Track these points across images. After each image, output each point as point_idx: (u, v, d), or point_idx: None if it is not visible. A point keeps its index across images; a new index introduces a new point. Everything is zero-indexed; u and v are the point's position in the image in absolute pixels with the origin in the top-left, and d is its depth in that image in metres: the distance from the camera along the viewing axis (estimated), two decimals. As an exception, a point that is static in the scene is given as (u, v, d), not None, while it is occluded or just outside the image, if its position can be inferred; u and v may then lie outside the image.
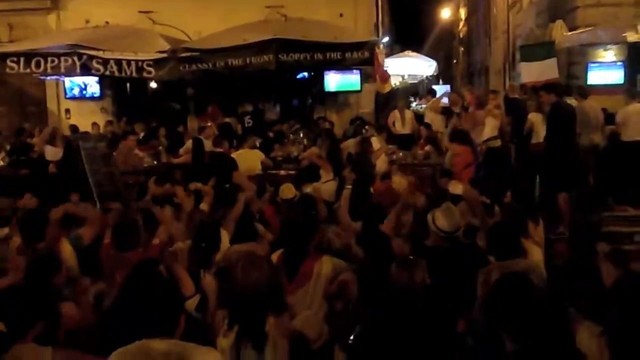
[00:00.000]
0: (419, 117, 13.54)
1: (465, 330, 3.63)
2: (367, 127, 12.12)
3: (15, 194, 7.28)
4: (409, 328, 3.33)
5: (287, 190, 6.81)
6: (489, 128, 10.01)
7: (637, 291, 2.96)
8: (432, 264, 3.78)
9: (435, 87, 17.51)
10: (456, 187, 8.07)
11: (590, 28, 12.13)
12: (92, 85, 15.39)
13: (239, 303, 3.19)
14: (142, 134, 12.30)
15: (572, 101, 9.77)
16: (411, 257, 3.79)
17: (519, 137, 10.25)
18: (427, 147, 10.58)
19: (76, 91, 15.55)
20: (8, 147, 11.86)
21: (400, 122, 12.90)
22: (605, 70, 12.76)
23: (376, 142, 9.89)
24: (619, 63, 12.67)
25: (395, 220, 5.30)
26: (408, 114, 13.27)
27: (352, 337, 3.47)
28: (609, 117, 10.26)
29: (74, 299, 4.05)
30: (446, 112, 12.48)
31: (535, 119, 9.78)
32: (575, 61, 13.24)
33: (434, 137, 11.16)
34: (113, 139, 11.12)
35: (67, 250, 4.79)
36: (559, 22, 12.84)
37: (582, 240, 4.31)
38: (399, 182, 7.44)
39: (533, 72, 12.33)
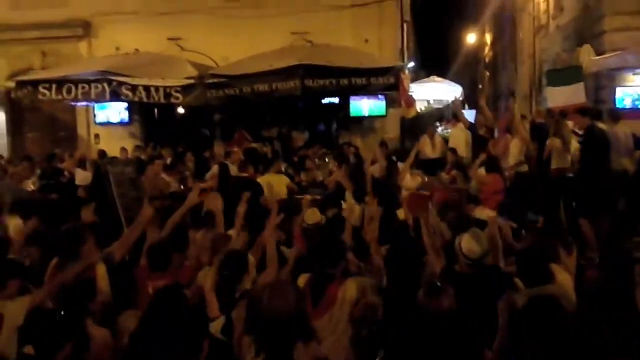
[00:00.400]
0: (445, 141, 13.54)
1: None
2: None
3: (45, 217, 7.37)
4: (435, 355, 3.28)
5: (313, 215, 6.79)
6: (516, 151, 9.95)
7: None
8: (459, 291, 3.74)
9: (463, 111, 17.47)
10: (482, 213, 7.99)
11: (617, 52, 12.03)
12: (122, 111, 15.65)
13: (265, 330, 3.18)
14: (169, 159, 12.41)
15: (603, 125, 9.67)
16: (439, 284, 3.74)
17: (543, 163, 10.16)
18: (454, 172, 10.51)
19: (105, 117, 15.82)
20: (39, 172, 12.05)
21: (431, 147, 12.88)
22: (635, 94, 12.62)
23: (402, 167, 9.85)
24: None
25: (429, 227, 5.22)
26: (438, 139, 13.27)
27: None
28: (639, 142, 10.11)
29: (104, 323, 4.07)
30: (472, 129, 12.47)
31: (554, 143, 9.68)
32: (603, 85, 13.13)
33: (461, 163, 11.09)
34: (141, 164, 11.25)
35: (101, 269, 4.84)
36: (587, 47, 12.77)
37: (614, 267, 4.22)
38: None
39: (560, 96, 12.22)
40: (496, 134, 11.78)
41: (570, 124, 9.73)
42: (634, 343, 2.97)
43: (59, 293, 4.07)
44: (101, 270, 4.71)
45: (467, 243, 4.52)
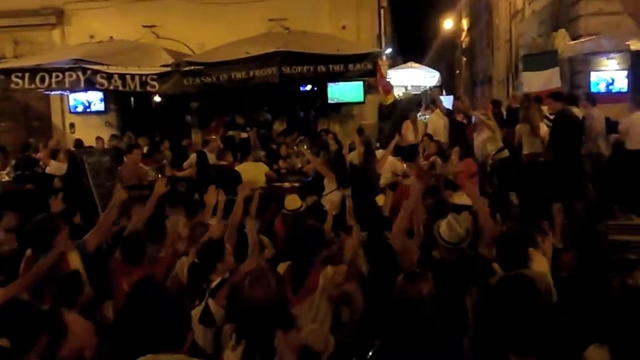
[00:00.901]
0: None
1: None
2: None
3: (20, 208, 7.29)
4: (414, 340, 3.31)
5: (293, 201, 6.80)
6: (495, 140, 10.08)
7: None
8: (437, 276, 3.76)
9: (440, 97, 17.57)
10: (461, 198, 8.05)
11: (592, 37, 12.13)
12: (96, 100, 15.45)
13: (246, 318, 3.18)
14: (145, 148, 12.32)
15: (577, 110, 9.79)
16: (417, 270, 3.77)
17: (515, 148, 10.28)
18: (432, 158, 10.57)
19: (80, 107, 15.61)
20: (13, 162, 11.89)
21: (413, 133, 12.90)
22: (609, 79, 12.76)
23: (379, 154, 9.89)
24: (622, 71, 12.67)
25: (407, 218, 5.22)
26: (420, 124, 13.30)
27: (371, 353, 3.44)
28: (613, 125, 10.25)
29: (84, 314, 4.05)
30: (449, 114, 12.58)
31: (522, 129, 9.78)
32: (578, 70, 13.25)
33: (441, 148, 11.17)
34: (117, 153, 11.16)
35: (74, 258, 4.79)
36: (562, 31, 12.85)
37: (588, 250, 4.28)
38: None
39: (536, 81, 12.32)
40: (473, 120, 11.87)
41: (545, 108, 9.83)
42: (609, 325, 3.00)
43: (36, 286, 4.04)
44: (74, 260, 4.67)
45: (446, 228, 4.56)
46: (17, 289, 4.00)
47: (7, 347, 2.86)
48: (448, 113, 12.90)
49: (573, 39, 12.54)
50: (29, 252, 4.83)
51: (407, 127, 13.00)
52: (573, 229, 5.55)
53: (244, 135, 13.11)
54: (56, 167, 10.28)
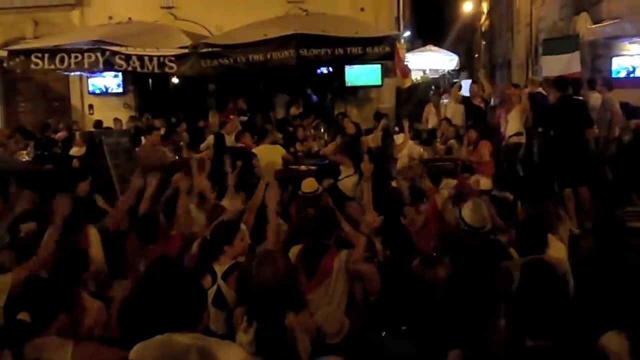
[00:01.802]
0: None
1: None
2: None
3: (39, 188, 7.35)
4: (431, 323, 3.32)
5: (309, 185, 6.79)
6: (514, 123, 9.96)
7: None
8: (455, 259, 3.76)
9: (462, 81, 17.41)
10: (477, 182, 8.01)
11: (615, 21, 11.93)
12: (113, 86, 15.54)
13: (255, 300, 3.19)
14: (162, 130, 12.36)
15: (595, 94, 9.68)
16: (434, 255, 3.76)
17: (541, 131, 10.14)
18: (450, 142, 10.51)
19: (99, 87, 15.72)
20: (33, 143, 12.00)
21: (435, 117, 12.76)
22: (630, 65, 12.56)
23: (399, 138, 9.85)
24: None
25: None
26: (442, 108, 13.12)
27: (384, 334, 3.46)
28: (634, 111, 10.10)
29: (99, 294, 4.09)
30: (466, 102, 12.44)
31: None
32: (599, 54, 13.05)
33: (457, 131, 11.09)
34: (136, 134, 11.22)
35: (94, 237, 4.84)
36: (584, 15, 12.65)
37: (607, 236, 4.24)
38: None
39: (556, 65, 12.16)
40: (492, 102, 11.76)
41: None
42: (627, 312, 2.99)
43: (53, 263, 4.08)
44: (95, 239, 4.72)
45: (469, 211, 4.52)
46: (37, 265, 4.04)
47: (28, 321, 2.91)
48: (463, 100, 12.74)
49: (595, 23, 12.34)
50: (50, 229, 4.87)
51: (429, 111, 12.89)
52: (590, 215, 5.51)
53: (244, 118, 13.11)
54: (76, 150, 10.40)
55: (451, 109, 12.74)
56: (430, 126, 12.58)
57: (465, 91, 13.04)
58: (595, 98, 9.69)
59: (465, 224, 4.47)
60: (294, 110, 14.80)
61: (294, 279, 3.39)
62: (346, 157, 8.52)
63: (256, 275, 3.17)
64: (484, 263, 4.02)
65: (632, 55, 12.56)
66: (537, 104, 10.24)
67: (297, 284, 3.45)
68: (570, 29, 13.36)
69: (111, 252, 4.91)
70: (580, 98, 8.86)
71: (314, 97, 16.29)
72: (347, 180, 8.21)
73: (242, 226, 4.78)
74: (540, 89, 11.03)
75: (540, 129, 9.93)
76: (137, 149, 9.66)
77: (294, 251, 4.51)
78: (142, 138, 10.60)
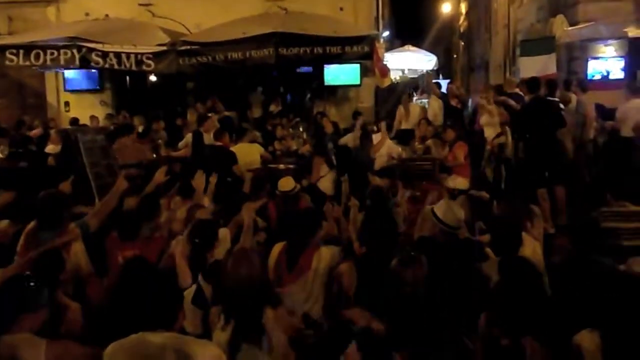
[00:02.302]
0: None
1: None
2: None
3: (14, 186, 7.26)
4: (409, 322, 3.32)
5: (286, 183, 6.79)
6: (491, 129, 10.06)
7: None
8: (431, 259, 3.78)
9: (438, 81, 17.54)
10: (455, 181, 8.06)
11: (590, 23, 12.10)
12: (91, 78, 15.39)
13: (231, 298, 3.18)
14: (141, 127, 12.27)
15: (572, 96, 9.79)
16: (412, 254, 3.77)
17: (517, 132, 10.22)
18: (428, 142, 10.57)
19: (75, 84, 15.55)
20: (7, 140, 11.84)
21: (405, 118, 12.78)
22: (605, 66, 12.74)
23: (377, 137, 9.88)
24: (619, 58, 12.65)
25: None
26: (413, 108, 13.13)
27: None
28: (609, 113, 10.24)
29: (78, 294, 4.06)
30: (444, 98, 12.55)
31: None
32: (575, 56, 13.22)
33: (436, 131, 11.16)
34: (113, 132, 11.11)
35: (76, 235, 4.79)
36: (560, 17, 12.81)
37: (581, 236, 4.29)
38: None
39: (532, 67, 12.30)
40: (469, 105, 11.86)
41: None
42: (601, 311, 3.03)
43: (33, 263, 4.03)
44: (78, 245, 4.68)
45: (444, 211, 4.54)
46: (19, 268, 3.99)
47: None
48: (442, 96, 12.87)
49: (571, 25, 12.50)
50: (30, 226, 4.82)
51: (399, 114, 12.89)
52: (565, 215, 5.59)
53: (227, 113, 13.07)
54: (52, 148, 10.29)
55: (432, 109, 12.81)
56: (404, 127, 12.59)
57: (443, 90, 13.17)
58: (571, 99, 9.80)
59: (442, 222, 4.48)
60: (273, 108, 14.77)
61: (267, 275, 3.39)
62: (320, 157, 8.59)
63: (231, 273, 3.17)
64: (459, 262, 4.05)
65: (607, 59, 12.73)
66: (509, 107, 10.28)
67: (269, 281, 3.46)
68: (547, 31, 13.52)
69: (92, 251, 4.86)
70: (555, 99, 8.94)
71: (289, 97, 16.28)
72: (325, 180, 8.25)
73: (224, 230, 4.79)
74: (517, 90, 11.13)
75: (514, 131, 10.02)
76: (114, 146, 9.58)
77: (277, 248, 4.52)
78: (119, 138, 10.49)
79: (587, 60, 12.83)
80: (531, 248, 4.38)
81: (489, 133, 10.14)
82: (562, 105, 9.00)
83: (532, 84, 8.89)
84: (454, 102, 12.43)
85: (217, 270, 3.32)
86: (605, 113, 10.24)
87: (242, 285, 3.13)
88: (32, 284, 3.14)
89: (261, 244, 5.31)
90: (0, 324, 2.95)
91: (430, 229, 4.65)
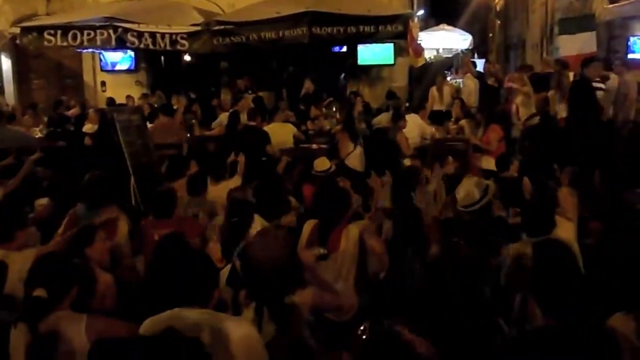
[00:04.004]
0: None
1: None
2: None
3: (53, 165, 7.44)
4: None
5: (321, 163, 6.83)
6: (524, 109, 9.91)
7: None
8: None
9: (474, 60, 17.26)
10: (489, 163, 7.98)
11: (632, 0, 11.76)
12: (127, 58, 15.58)
13: (256, 280, 3.19)
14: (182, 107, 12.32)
15: (612, 75, 9.57)
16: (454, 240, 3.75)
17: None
18: (462, 122, 10.46)
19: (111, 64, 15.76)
20: (45, 119, 12.08)
21: (439, 100, 12.64)
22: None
23: (410, 118, 9.81)
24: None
25: None
26: (446, 90, 12.96)
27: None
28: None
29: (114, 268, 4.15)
30: (480, 77, 12.37)
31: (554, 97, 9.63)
32: (616, 34, 12.88)
33: (469, 111, 11.03)
34: (151, 112, 11.26)
35: (123, 225, 4.91)
36: (600, -6, 12.50)
37: (615, 219, 4.23)
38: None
39: (572, 45, 12.04)
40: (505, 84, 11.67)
41: (570, 74, 9.61)
42: (635, 294, 2.99)
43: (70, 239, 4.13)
44: (122, 224, 4.79)
45: (462, 191, 4.54)
46: (57, 246, 4.10)
47: (44, 297, 2.94)
48: (479, 75, 12.69)
49: (611, 2, 12.18)
50: (76, 207, 4.94)
51: (432, 95, 12.72)
52: (600, 197, 5.49)
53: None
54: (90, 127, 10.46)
55: (467, 86, 12.66)
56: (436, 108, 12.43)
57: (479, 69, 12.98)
58: (612, 79, 9.57)
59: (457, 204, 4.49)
60: (308, 88, 14.74)
61: (295, 256, 3.37)
62: (343, 133, 8.59)
63: (255, 255, 3.17)
64: (486, 242, 4.03)
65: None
66: (541, 84, 10.07)
67: (297, 261, 3.42)
68: (587, 9, 13.19)
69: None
70: (599, 84, 8.78)
71: (328, 75, 16.21)
72: (352, 156, 8.26)
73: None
74: (550, 69, 10.92)
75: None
76: (151, 125, 9.70)
77: (308, 227, 4.54)
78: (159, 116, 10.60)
79: (628, 39, 12.50)
80: (565, 230, 4.33)
81: (523, 113, 9.99)
82: (602, 85, 8.83)
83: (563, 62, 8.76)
84: (490, 81, 12.25)
85: (245, 251, 3.33)
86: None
87: (264, 265, 3.13)
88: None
89: (293, 224, 5.34)
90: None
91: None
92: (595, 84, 9.02)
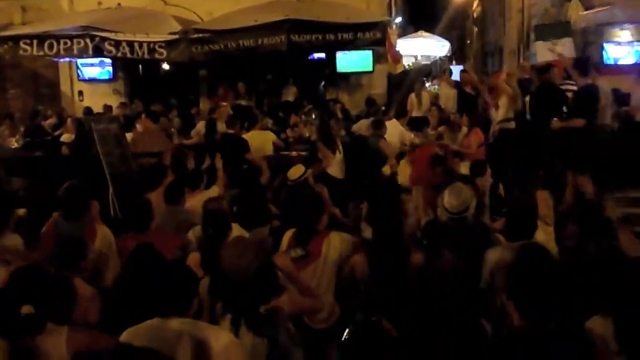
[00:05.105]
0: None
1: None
2: None
3: (28, 175, 7.35)
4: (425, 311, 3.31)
5: (295, 171, 6.81)
6: (504, 109, 9.94)
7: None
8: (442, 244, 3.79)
9: (450, 67, 17.41)
10: (467, 168, 8.00)
11: (606, 7, 11.95)
12: (105, 67, 15.46)
13: (227, 289, 3.17)
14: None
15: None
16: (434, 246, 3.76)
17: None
18: (441, 128, 10.52)
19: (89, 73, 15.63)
20: (22, 129, 11.95)
21: (417, 107, 12.69)
22: (621, 50, 12.59)
23: (389, 124, 9.84)
24: (635, 43, 12.50)
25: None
26: (425, 96, 13.03)
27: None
28: (625, 98, 10.12)
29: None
30: (458, 85, 12.45)
31: None
32: (591, 41, 13.07)
33: (448, 118, 11.09)
34: (127, 121, 11.17)
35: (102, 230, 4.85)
36: (575, 1, 12.67)
37: (592, 222, 4.28)
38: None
39: (548, 51, 12.17)
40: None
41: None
42: (613, 297, 3.02)
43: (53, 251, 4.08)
44: (102, 231, 4.74)
45: (448, 197, 4.55)
46: (40, 255, 4.05)
47: (32, 313, 2.85)
48: (456, 84, 12.77)
49: (586, 9, 12.36)
50: (53, 217, 4.89)
51: (411, 102, 12.78)
52: (576, 201, 5.55)
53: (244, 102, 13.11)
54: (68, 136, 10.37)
55: (444, 94, 12.74)
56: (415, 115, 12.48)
57: (455, 77, 13.05)
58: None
59: (446, 209, 4.49)
60: (289, 96, 14.76)
61: (269, 265, 3.33)
62: (320, 142, 8.58)
63: (227, 265, 3.15)
64: (471, 248, 4.05)
65: (620, 44, 12.58)
66: (524, 89, 10.20)
67: (271, 269, 3.38)
68: (562, 15, 13.36)
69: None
70: (571, 86, 8.88)
71: (307, 83, 16.24)
72: (333, 165, 8.26)
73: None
74: (526, 75, 11.02)
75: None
76: (130, 134, 9.62)
77: (287, 236, 4.52)
78: (137, 125, 10.54)
79: (602, 45, 12.68)
80: (544, 234, 4.38)
81: (495, 115, 10.04)
82: (574, 87, 8.93)
83: (541, 69, 8.85)
84: (467, 89, 12.33)
85: (217, 262, 3.28)
86: (621, 98, 10.12)
87: (236, 275, 3.09)
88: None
89: (273, 231, 5.32)
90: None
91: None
92: (566, 86, 9.14)
